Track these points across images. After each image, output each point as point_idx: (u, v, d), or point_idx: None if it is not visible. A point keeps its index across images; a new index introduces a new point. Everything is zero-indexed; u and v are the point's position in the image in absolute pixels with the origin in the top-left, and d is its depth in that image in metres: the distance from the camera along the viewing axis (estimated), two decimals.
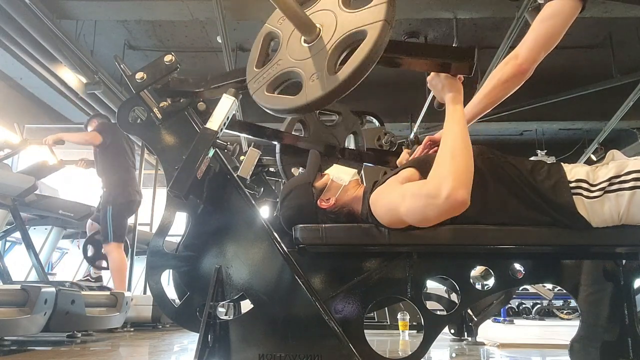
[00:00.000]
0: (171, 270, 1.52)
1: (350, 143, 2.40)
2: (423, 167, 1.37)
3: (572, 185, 1.29)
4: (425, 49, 1.31)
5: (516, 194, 1.34)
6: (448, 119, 1.31)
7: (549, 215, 1.31)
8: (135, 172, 4.39)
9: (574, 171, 1.32)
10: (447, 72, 1.34)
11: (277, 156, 2.10)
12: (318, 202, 1.47)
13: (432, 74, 1.38)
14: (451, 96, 1.33)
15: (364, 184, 1.57)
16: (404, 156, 1.71)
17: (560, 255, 1.49)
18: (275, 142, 2.07)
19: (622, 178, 1.25)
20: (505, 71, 1.54)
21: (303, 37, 1.21)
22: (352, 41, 1.13)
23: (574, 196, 1.28)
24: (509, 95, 1.63)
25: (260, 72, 1.27)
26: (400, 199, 1.28)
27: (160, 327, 4.22)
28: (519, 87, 1.58)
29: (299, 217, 1.46)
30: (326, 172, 1.57)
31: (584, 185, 1.28)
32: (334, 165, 1.64)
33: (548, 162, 1.43)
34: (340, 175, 1.53)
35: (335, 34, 1.16)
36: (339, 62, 1.14)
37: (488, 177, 1.36)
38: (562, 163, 1.38)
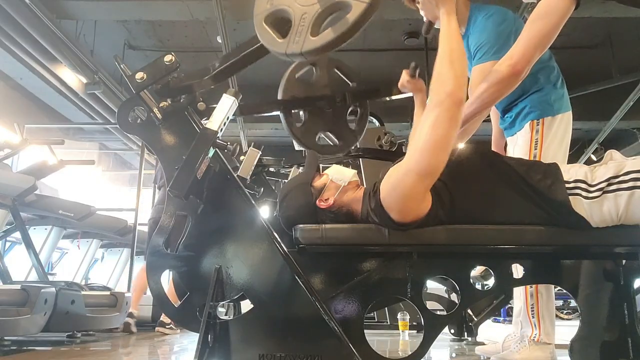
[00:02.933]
0: (171, 271, 1.52)
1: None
2: None
3: (570, 185, 1.30)
4: None
5: (515, 193, 1.34)
6: (443, 31, 1.35)
7: (547, 214, 1.31)
8: None
9: (572, 171, 1.33)
10: None
11: (284, 122, 2.06)
12: (317, 202, 1.47)
13: None
14: (444, 10, 1.37)
15: (364, 185, 1.57)
16: (405, 77, 1.75)
17: (560, 255, 1.49)
18: (280, 112, 2.03)
19: (621, 178, 1.25)
20: (500, 72, 1.54)
21: None
22: None
23: (572, 196, 1.28)
24: (504, 96, 1.63)
25: (291, 36, 1.24)
26: (405, 160, 1.31)
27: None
28: (513, 88, 1.58)
29: (298, 217, 1.46)
30: (325, 172, 1.57)
31: (583, 185, 1.28)
32: (333, 165, 1.65)
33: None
34: (339, 175, 1.53)
35: None
36: (327, 20, 1.17)
37: (487, 176, 1.37)
38: (558, 163, 1.38)
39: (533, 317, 2.07)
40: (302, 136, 2.01)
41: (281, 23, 1.28)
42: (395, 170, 1.35)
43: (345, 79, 2.10)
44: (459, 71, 1.28)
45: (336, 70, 2.09)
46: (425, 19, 1.73)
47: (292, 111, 2.02)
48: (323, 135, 2.15)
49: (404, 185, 1.30)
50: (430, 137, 1.27)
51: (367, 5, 1.11)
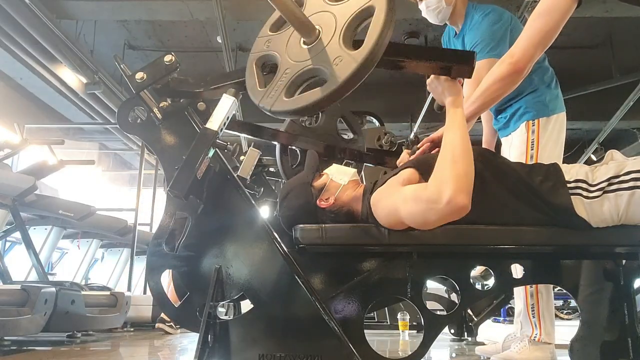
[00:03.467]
0: (171, 271, 1.52)
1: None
2: (423, 167, 1.37)
3: (571, 185, 1.29)
4: (426, 52, 1.32)
5: (516, 195, 1.34)
6: (448, 123, 1.31)
7: (548, 216, 1.31)
8: None
9: (572, 171, 1.32)
10: (447, 75, 1.34)
11: (277, 156, 2.10)
12: (317, 201, 1.47)
13: (431, 77, 1.38)
14: (451, 100, 1.33)
15: (364, 184, 1.57)
16: (404, 157, 1.71)
17: (560, 255, 1.49)
18: (275, 142, 2.07)
19: (621, 178, 1.25)
20: (501, 70, 1.53)
21: (303, 40, 1.23)
22: (362, 17, 1.16)
23: (573, 196, 1.28)
24: (505, 94, 1.63)
25: (269, 88, 1.27)
26: (400, 201, 1.28)
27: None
28: (515, 86, 1.58)
29: (298, 217, 1.46)
30: (325, 171, 1.57)
31: (583, 185, 1.28)
32: (333, 164, 1.64)
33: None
34: (339, 174, 1.53)
35: (338, 23, 1.19)
36: (353, 41, 1.17)
37: (488, 179, 1.36)
38: (559, 163, 1.38)
39: (533, 317, 2.08)
40: (291, 174, 2.06)
41: (270, 69, 1.30)
42: (388, 195, 1.34)
43: (350, 130, 2.15)
44: (462, 171, 1.21)
45: (342, 119, 2.14)
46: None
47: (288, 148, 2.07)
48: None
49: (393, 215, 1.31)
50: (416, 217, 1.25)
51: (340, 84, 1.12)
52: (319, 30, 1.22)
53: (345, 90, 1.13)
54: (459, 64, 1.30)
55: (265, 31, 1.38)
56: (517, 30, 2.01)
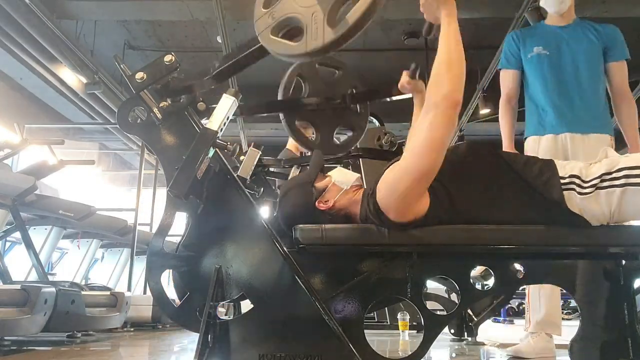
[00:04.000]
0: (171, 270, 1.52)
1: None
2: None
3: (565, 180, 1.30)
4: None
5: (512, 190, 1.34)
6: (443, 33, 1.34)
7: (543, 210, 1.31)
8: None
9: (568, 167, 1.33)
10: None
11: (283, 122, 2.07)
12: (317, 203, 1.47)
13: None
14: (445, 11, 1.35)
15: (364, 186, 1.57)
16: (405, 78, 1.75)
17: (560, 255, 1.49)
18: (280, 113, 2.04)
19: (614, 175, 1.26)
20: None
21: None
22: None
23: (566, 191, 1.29)
24: None
25: (267, 13, 1.26)
26: (402, 159, 1.32)
27: (160, 327, 4.22)
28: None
29: (296, 216, 1.46)
30: (329, 173, 1.57)
31: (577, 181, 1.29)
32: (337, 168, 1.64)
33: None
34: (342, 179, 1.53)
35: None
36: (338, 15, 1.16)
37: (485, 174, 1.37)
38: (554, 160, 1.39)
39: (527, 312, 2.19)
40: (318, 145, 2.05)
41: (289, 30, 1.27)
42: (392, 171, 1.35)
43: (333, 69, 2.13)
44: (456, 73, 1.28)
45: (322, 66, 2.11)
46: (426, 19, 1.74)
47: (295, 115, 2.04)
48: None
49: (401, 185, 1.30)
50: (426, 138, 1.27)
51: (311, 49, 1.13)
52: None
53: (306, 58, 1.19)
54: None
55: None
56: None
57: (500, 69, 2.49)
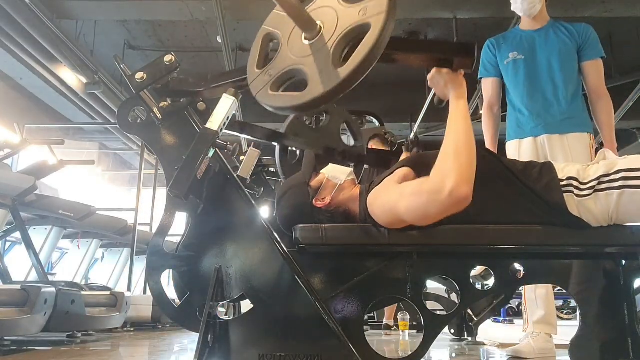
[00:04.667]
0: (171, 270, 1.52)
1: (350, 141, 2.39)
2: (418, 166, 1.38)
3: (563, 183, 1.30)
4: (427, 45, 1.30)
5: (512, 192, 1.34)
6: (452, 115, 1.30)
7: (544, 214, 1.31)
8: None
9: (566, 169, 1.33)
10: (449, 68, 1.33)
11: (277, 156, 2.09)
12: (314, 201, 1.47)
13: (433, 70, 1.38)
14: (454, 92, 1.33)
15: (361, 184, 1.57)
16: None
17: (560, 255, 1.49)
18: (275, 143, 2.06)
19: (611, 177, 1.25)
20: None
21: (304, 35, 1.21)
22: (355, 34, 1.13)
23: (565, 194, 1.28)
24: None
25: (262, 72, 1.27)
26: (398, 197, 1.28)
27: (160, 327, 4.22)
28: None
29: (295, 216, 1.46)
30: (322, 171, 1.57)
31: (575, 183, 1.29)
32: (330, 164, 1.64)
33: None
34: (335, 174, 1.53)
35: (337, 29, 1.16)
36: (343, 56, 1.14)
37: (485, 176, 1.37)
38: (552, 162, 1.39)
39: (525, 313, 2.21)
40: (290, 174, 2.03)
41: (291, 83, 1.26)
42: (384, 193, 1.34)
43: (351, 137, 2.15)
44: (465, 163, 1.20)
45: (345, 125, 2.13)
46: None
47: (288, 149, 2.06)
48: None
49: (391, 212, 1.30)
50: (418, 210, 1.24)
51: (315, 97, 1.12)
52: (321, 27, 1.19)
53: (318, 104, 1.14)
54: (460, 57, 1.30)
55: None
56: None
57: (480, 78, 2.52)
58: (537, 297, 2.26)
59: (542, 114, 2.29)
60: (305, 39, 1.21)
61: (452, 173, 1.18)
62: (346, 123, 2.16)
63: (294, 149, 2.13)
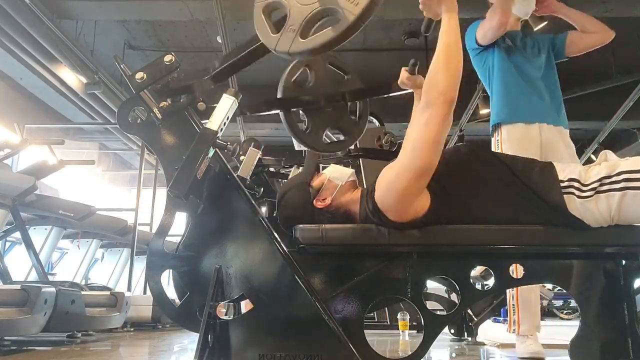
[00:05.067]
0: (171, 270, 1.52)
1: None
2: None
3: (564, 184, 1.30)
4: None
5: (512, 192, 1.34)
6: (443, 28, 1.35)
7: (544, 213, 1.31)
8: None
9: (567, 170, 1.33)
10: None
11: (285, 124, 2.06)
12: (314, 201, 1.48)
13: None
14: (446, 6, 1.36)
15: (364, 186, 1.57)
16: (404, 74, 1.72)
17: (560, 255, 1.48)
18: (280, 111, 2.03)
19: (613, 179, 1.25)
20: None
21: None
22: None
23: (566, 195, 1.29)
24: None
25: (282, 32, 1.26)
26: (400, 158, 1.32)
27: (160, 327, 4.22)
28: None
29: (296, 216, 1.47)
30: (323, 171, 1.57)
31: (576, 184, 1.29)
32: (331, 165, 1.65)
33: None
34: (336, 175, 1.53)
35: None
36: (316, 25, 1.18)
37: (485, 175, 1.37)
38: (554, 162, 1.39)
39: (514, 315, 2.23)
40: (305, 136, 2.00)
41: (278, 15, 1.29)
42: (389, 169, 1.36)
43: (340, 72, 2.10)
44: (453, 70, 1.28)
45: (330, 66, 2.09)
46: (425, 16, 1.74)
47: (292, 111, 2.02)
48: (328, 133, 2.15)
49: (399, 184, 1.30)
50: (422, 135, 1.28)
51: (356, 17, 1.12)
52: None
53: (358, 26, 1.16)
54: None
55: None
56: None
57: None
58: (526, 299, 2.27)
59: (538, 103, 2.40)
60: None
61: (442, 80, 1.27)
62: (330, 64, 2.13)
63: (301, 147, 2.10)
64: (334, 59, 2.08)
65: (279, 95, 2.01)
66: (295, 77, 2.00)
